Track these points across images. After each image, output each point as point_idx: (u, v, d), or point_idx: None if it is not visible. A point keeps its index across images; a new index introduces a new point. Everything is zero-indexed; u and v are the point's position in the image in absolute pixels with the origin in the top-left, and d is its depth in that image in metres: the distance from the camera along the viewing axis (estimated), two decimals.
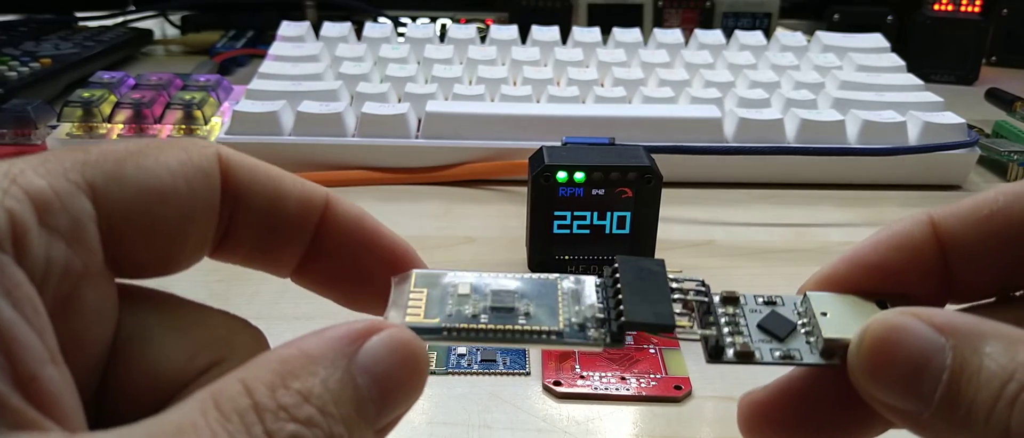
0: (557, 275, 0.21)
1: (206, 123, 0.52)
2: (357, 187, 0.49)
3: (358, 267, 0.21)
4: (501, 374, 0.31)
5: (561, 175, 0.37)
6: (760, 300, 0.22)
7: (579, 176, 0.37)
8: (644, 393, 0.31)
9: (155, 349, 0.18)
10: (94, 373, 0.17)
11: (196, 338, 0.19)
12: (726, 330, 0.21)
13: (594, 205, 0.37)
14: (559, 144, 0.41)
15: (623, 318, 0.20)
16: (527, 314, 0.20)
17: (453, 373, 0.32)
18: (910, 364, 0.17)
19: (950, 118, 0.51)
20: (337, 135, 0.50)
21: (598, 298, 0.21)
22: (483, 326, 0.19)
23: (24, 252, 0.14)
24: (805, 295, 0.21)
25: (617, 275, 0.21)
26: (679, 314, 0.20)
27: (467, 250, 0.42)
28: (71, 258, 0.16)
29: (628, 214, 0.38)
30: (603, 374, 0.32)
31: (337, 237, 0.20)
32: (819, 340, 0.20)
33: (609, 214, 0.38)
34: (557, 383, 0.31)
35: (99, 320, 0.17)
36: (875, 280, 0.21)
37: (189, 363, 0.18)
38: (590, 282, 0.21)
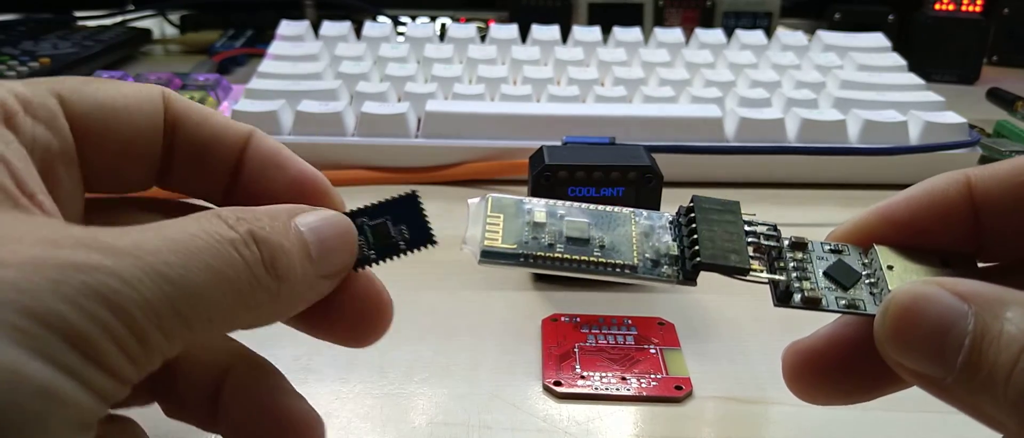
0: (631, 210, 0.21)
1: None
2: (357, 187, 0.49)
3: (277, 193, 0.23)
4: (405, 255, 0.22)
5: (561, 175, 0.37)
6: (827, 248, 0.22)
7: (579, 176, 0.37)
8: (645, 393, 0.31)
9: None
10: None
11: None
12: (795, 275, 0.21)
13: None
14: (559, 144, 0.41)
15: (699, 258, 0.20)
16: (602, 246, 0.20)
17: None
18: (933, 331, 0.18)
19: (951, 118, 0.51)
20: (336, 134, 0.50)
21: (672, 236, 0.21)
22: (558, 255, 0.20)
23: (15, 126, 0.19)
24: (872, 247, 0.22)
25: (692, 214, 0.21)
26: (750, 257, 0.21)
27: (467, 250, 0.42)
28: (50, 139, 0.20)
29: None
30: (603, 374, 0.32)
31: (259, 163, 0.23)
32: (884, 292, 0.20)
33: None
34: (557, 383, 0.31)
35: (70, 200, 0.21)
36: (903, 236, 0.22)
37: None
38: (664, 219, 0.21)
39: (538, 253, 0.20)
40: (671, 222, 0.21)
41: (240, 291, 0.17)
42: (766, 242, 0.21)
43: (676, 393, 0.31)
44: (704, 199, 0.21)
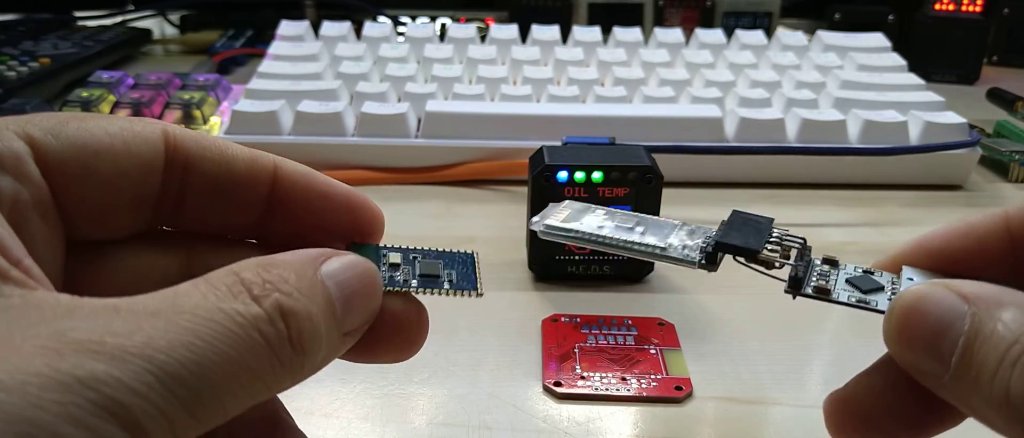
0: (679, 221, 0.24)
1: (205, 122, 0.52)
2: (357, 187, 0.48)
3: (315, 223, 0.22)
4: (445, 295, 0.23)
5: (561, 175, 0.37)
6: (858, 270, 0.23)
7: (579, 176, 0.37)
8: (645, 394, 0.31)
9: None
10: None
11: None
12: (815, 273, 0.22)
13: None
14: (559, 144, 0.41)
15: (715, 239, 0.22)
16: (642, 234, 0.24)
17: (391, 291, 0.22)
18: (933, 329, 0.18)
19: (951, 118, 0.51)
20: (336, 135, 0.50)
21: (704, 238, 0.23)
22: (603, 234, 0.24)
23: None
24: (902, 268, 0.22)
25: (725, 220, 0.23)
26: (770, 250, 0.22)
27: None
28: (18, 189, 0.18)
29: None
30: (604, 375, 0.32)
31: (291, 194, 0.22)
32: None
33: None
34: (557, 383, 0.31)
35: (49, 252, 0.19)
36: (939, 265, 0.22)
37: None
38: (702, 230, 0.24)
39: (588, 232, 0.24)
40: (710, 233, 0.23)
41: (261, 376, 0.16)
42: (790, 243, 0.23)
43: (676, 393, 0.31)
44: (741, 212, 0.24)
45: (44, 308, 0.15)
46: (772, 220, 0.23)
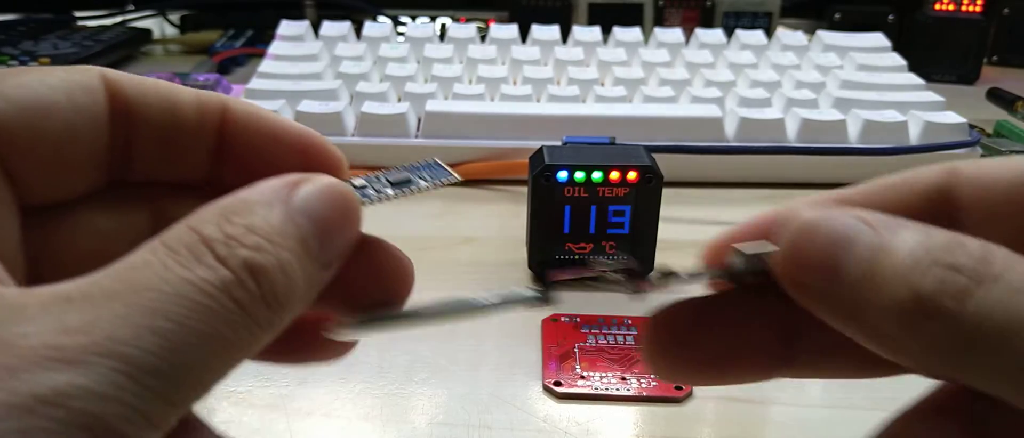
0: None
1: None
2: None
3: (269, 168, 0.20)
4: (421, 195, 0.23)
5: (561, 175, 0.37)
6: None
7: (579, 176, 0.37)
8: (644, 393, 0.31)
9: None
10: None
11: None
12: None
13: (594, 205, 0.37)
14: (559, 144, 0.41)
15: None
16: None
17: (366, 202, 0.21)
18: (832, 243, 0.17)
19: (951, 118, 0.51)
20: (336, 134, 0.50)
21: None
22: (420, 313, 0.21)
23: None
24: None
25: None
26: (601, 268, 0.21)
27: (467, 250, 0.42)
28: None
29: (628, 214, 0.37)
30: (603, 374, 0.32)
31: (242, 137, 0.20)
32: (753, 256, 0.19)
33: (610, 214, 0.37)
34: (557, 383, 0.31)
35: (1, 226, 0.17)
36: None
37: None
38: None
39: (405, 310, 0.22)
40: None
41: (238, 344, 0.15)
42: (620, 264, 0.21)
43: (676, 393, 0.31)
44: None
45: None
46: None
